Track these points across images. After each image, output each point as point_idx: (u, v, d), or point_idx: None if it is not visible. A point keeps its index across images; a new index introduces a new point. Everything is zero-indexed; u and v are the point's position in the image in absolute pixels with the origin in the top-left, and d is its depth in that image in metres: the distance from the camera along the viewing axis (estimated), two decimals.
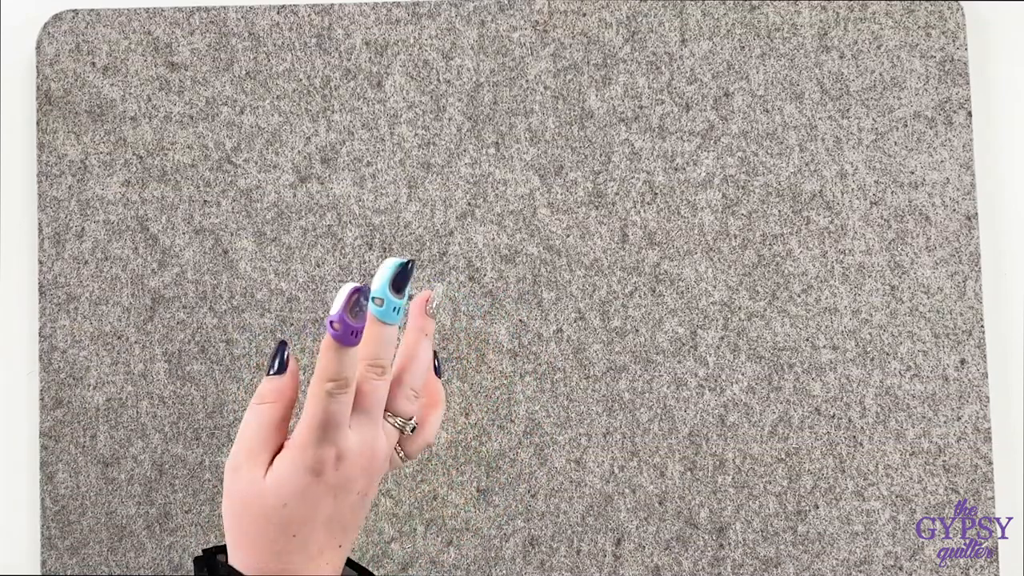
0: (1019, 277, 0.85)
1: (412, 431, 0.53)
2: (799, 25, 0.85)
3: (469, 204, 0.84)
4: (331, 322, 0.47)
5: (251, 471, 0.49)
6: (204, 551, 0.51)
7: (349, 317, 0.47)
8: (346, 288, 0.47)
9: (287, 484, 0.49)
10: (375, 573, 0.61)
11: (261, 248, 0.84)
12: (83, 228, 0.84)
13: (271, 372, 0.51)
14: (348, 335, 0.47)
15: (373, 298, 0.49)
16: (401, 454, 0.53)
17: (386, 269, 0.49)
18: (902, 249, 0.84)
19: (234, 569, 0.49)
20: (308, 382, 0.82)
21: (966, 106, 0.85)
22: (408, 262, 0.50)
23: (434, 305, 0.53)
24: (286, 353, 0.51)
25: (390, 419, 0.52)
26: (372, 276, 0.83)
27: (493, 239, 0.84)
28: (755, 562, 0.82)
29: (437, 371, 0.56)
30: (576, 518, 0.82)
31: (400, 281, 0.49)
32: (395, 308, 0.49)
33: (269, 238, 0.84)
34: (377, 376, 0.50)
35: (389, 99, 0.85)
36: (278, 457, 0.49)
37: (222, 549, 0.51)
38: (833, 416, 0.83)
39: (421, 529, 0.82)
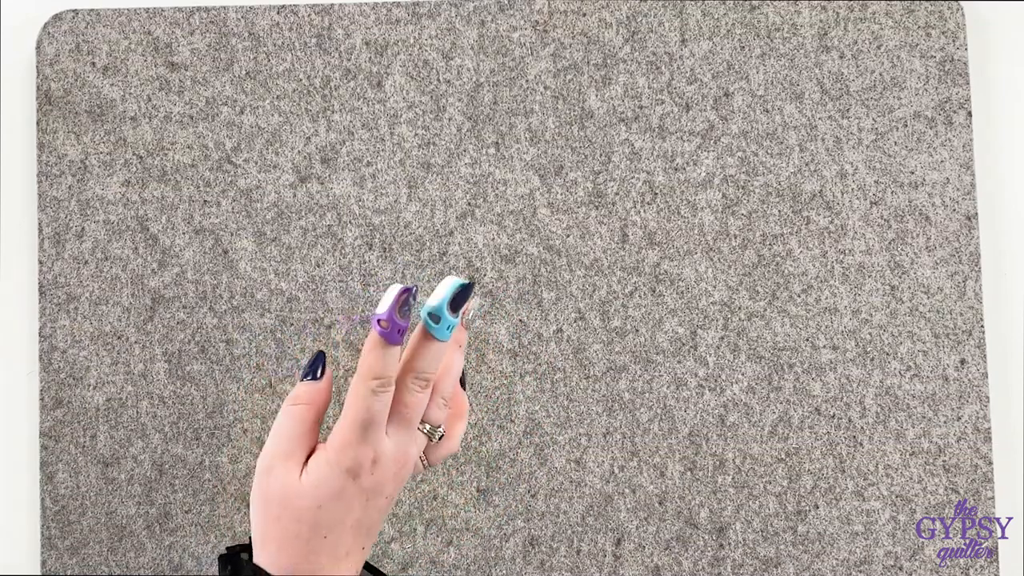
0: (1019, 277, 0.85)
1: (439, 439, 0.54)
2: (799, 25, 0.85)
3: (469, 204, 0.84)
4: (379, 320, 0.48)
5: (286, 472, 0.50)
6: (228, 549, 0.52)
7: (397, 316, 0.48)
8: (395, 288, 0.48)
9: (324, 485, 0.49)
10: (387, 574, 0.61)
11: (261, 248, 0.84)
12: (83, 228, 0.84)
13: (307, 378, 0.52)
14: (395, 333, 0.48)
15: (430, 314, 0.50)
16: (424, 461, 0.54)
17: (446, 287, 0.50)
18: (902, 249, 0.84)
19: (260, 568, 0.49)
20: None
21: (966, 106, 0.85)
22: (471, 284, 0.51)
23: (469, 316, 0.54)
24: (324, 362, 0.52)
25: (420, 426, 0.52)
26: (372, 276, 0.83)
27: (493, 239, 0.84)
28: (755, 562, 0.82)
29: (462, 382, 0.56)
30: (576, 518, 0.82)
31: (460, 301, 0.50)
32: (449, 326, 0.50)
33: (269, 238, 0.84)
34: (421, 388, 0.51)
35: (389, 99, 0.85)
36: (313, 459, 0.50)
37: (245, 547, 0.51)
38: (833, 416, 0.83)
39: (421, 529, 0.82)
